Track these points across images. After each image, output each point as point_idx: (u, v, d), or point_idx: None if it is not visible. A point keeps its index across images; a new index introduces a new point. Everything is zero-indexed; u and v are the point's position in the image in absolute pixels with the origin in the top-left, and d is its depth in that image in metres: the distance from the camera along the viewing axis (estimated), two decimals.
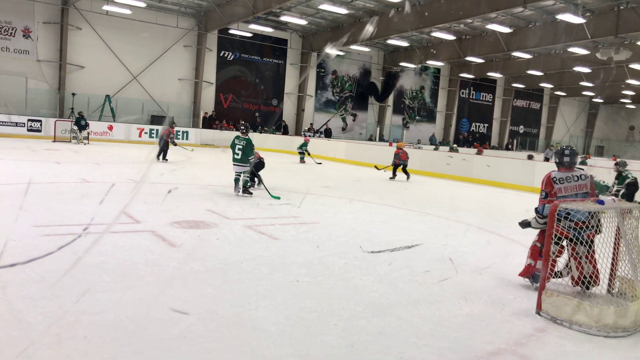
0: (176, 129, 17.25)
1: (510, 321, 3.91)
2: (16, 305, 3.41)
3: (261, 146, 22.91)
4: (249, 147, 8.97)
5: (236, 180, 9.16)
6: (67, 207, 6.97)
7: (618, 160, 11.09)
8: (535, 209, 4.62)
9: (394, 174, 14.69)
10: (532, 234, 4.96)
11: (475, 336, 3.56)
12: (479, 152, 23.72)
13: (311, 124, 29.17)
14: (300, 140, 20.44)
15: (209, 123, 25.22)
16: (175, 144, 15.85)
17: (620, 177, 10.18)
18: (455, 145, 27.91)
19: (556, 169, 4.66)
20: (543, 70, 30.06)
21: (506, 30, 22.47)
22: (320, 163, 18.50)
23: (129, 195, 8.37)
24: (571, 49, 24.88)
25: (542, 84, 35.37)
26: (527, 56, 28.05)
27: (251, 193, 9.13)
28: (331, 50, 28.20)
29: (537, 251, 4.62)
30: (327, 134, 28.98)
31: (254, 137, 26.29)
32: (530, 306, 4.19)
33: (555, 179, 4.51)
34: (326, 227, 6.95)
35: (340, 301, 4.04)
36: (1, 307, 3.37)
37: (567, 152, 4.60)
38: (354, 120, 31.91)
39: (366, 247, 5.91)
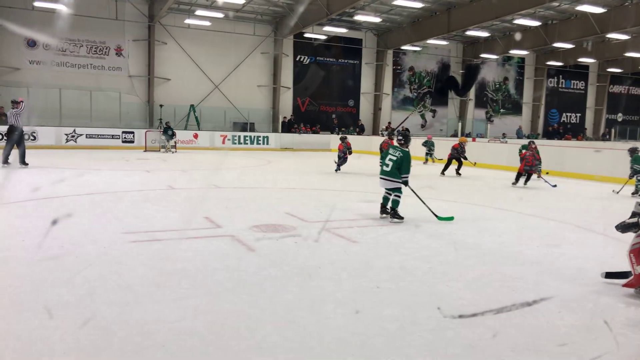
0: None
1: (623, 334, 3.42)
2: (102, 312, 3.49)
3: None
4: (404, 162, 7.01)
5: (385, 199, 7.29)
6: (153, 213, 7.23)
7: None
8: None
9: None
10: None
11: (581, 351, 3.15)
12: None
13: (389, 122, 28.69)
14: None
15: (288, 127, 25.60)
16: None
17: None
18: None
19: None
20: None
21: (599, 10, 20.70)
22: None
23: (212, 200, 8.57)
24: None
25: None
26: (624, 37, 25.75)
27: (402, 218, 7.07)
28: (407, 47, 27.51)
29: None
30: None
31: (333, 138, 25.46)
32: None
33: None
34: (408, 229, 6.65)
35: (424, 309, 3.76)
36: (87, 313, 3.46)
37: None
38: (433, 117, 30.99)
39: (451, 251, 5.57)
